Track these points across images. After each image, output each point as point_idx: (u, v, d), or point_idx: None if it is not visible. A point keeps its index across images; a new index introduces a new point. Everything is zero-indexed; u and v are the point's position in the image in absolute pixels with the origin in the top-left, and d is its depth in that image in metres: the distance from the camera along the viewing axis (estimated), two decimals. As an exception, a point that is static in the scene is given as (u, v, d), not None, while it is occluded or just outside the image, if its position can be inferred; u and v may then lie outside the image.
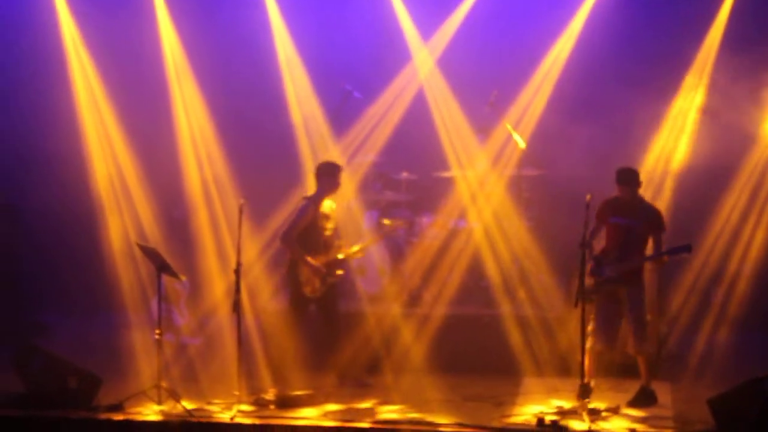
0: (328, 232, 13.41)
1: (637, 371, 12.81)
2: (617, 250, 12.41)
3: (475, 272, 14.80)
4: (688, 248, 12.24)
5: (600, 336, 12.39)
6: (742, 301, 14.99)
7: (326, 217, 13.39)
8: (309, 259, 13.17)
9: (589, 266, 12.27)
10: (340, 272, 13.44)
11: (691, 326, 14.75)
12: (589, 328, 12.35)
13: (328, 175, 13.41)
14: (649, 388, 12.56)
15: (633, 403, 12.44)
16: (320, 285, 13.27)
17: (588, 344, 12.30)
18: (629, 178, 12.45)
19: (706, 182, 15.30)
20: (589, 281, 12.28)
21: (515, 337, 13.80)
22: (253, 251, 15.07)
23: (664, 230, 12.54)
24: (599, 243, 12.63)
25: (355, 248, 13.68)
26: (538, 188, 15.56)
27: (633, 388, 12.82)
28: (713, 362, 13.93)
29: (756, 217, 15.34)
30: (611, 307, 12.38)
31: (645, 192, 12.90)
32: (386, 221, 14.04)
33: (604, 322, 12.39)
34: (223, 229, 15.64)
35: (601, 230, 12.66)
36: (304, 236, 13.23)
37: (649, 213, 12.52)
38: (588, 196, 12.02)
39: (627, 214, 12.46)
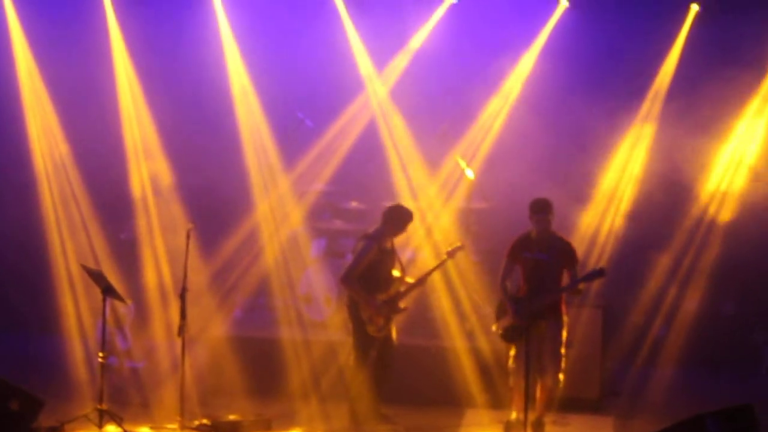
0: (390, 268, 13.08)
1: (582, 405, 12.91)
2: (532, 285, 12.43)
3: (422, 304, 14.79)
4: (601, 272, 12.34)
5: (526, 371, 12.30)
6: (685, 338, 15.12)
7: (388, 252, 13.07)
8: (371, 298, 12.84)
9: (508, 308, 12.45)
10: (403, 306, 13.10)
11: (635, 363, 14.86)
12: (511, 364, 12.54)
13: (399, 221, 13.08)
14: (542, 419, 12.57)
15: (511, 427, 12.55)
16: (384, 323, 12.92)
17: (512, 380, 12.53)
18: (543, 208, 12.48)
19: (659, 209, 15.47)
20: (512, 322, 12.44)
21: (459, 370, 13.82)
22: (202, 277, 15.04)
23: (577, 262, 12.63)
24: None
25: (412, 279, 13.26)
26: (486, 221, 15.59)
27: (575, 422, 12.92)
28: (656, 399, 14.04)
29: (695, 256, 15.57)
30: (534, 344, 12.31)
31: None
32: (448, 248, 13.72)
33: (529, 358, 12.29)
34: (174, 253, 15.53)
35: (514, 267, 12.69)
36: (366, 275, 12.88)
37: (562, 246, 12.57)
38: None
39: (540, 248, 12.49)
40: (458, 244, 13.38)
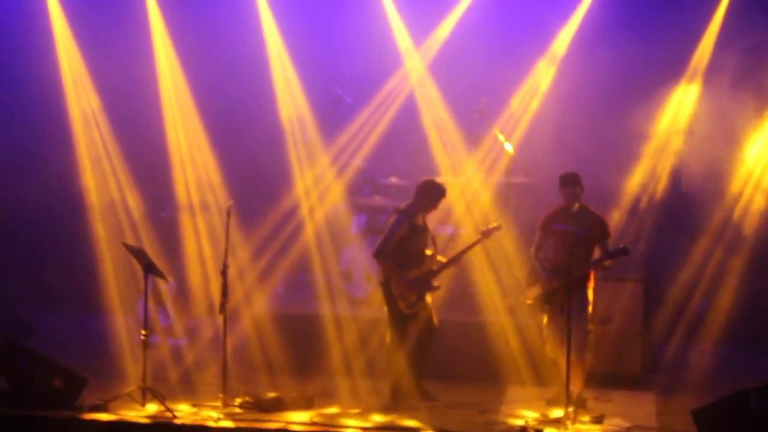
0: (422, 245, 12.98)
1: (623, 381, 12.91)
2: (563, 257, 12.42)
3: (462, 279, 14.77)
4: (625, 251, 12.35)
5: (554, 344, 12.49)
6: (728, 315, 15.01)
7: (420, 229, 12.97)
8: (403, 274, 12.78)
9: (539, 276, 12.55)
10: (436, 284, 12.97)
11: (677, 339, 14.80)
12: (546, 334, 12.67)
13: (430, 196, 12.95)
14: (581, 395, 12.58)
15: (552, 402, 12.59)
16: (416, 299, 12.83)
17: (548, 350, 12.66)
18: (572, 181, 12.53)
19: (696, 193, 15.37)
20: (539, 291, 12.57)
21: (501, 346, 13.81)
22: (245, 255, 15.09)
23: (609, 235, 12.62)
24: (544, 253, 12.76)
25: (445, 258, 13.12)
26: (525, 196, 15.52)
27: (617, 398, 12.91)
28: (698, 374, 13.98)
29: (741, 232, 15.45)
30: (561, 318, 12.29)
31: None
32: (484, 227, 13.66)
33: (556, 332, 12.42)
34: (215, 231, 15.57)
35: (547, 240, 12.75)
36: (398, 250, 12.80)
37: (594, 220, 12.59)
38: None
39: (571, 221, 12.54)
40: (495, 224, 13.31)
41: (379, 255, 12.80)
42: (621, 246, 12.49)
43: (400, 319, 12.87)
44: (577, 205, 12.58)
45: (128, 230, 15.76)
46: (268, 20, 16.15)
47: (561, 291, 12.29)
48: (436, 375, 13.38)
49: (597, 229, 12.54)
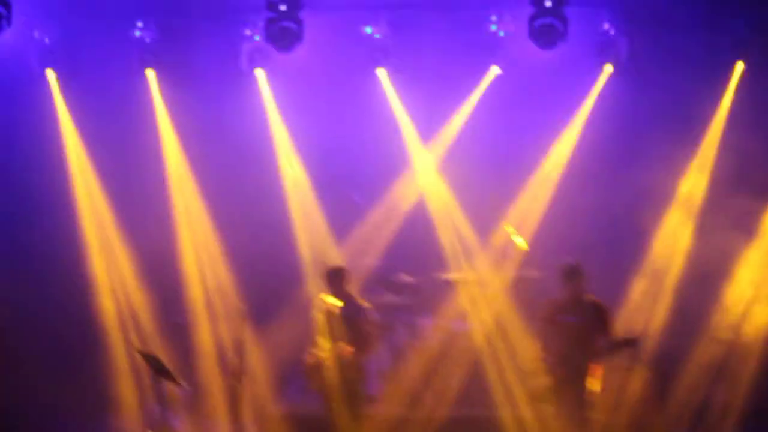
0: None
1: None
2: (566, 348, 12.45)
3: (476, 374, 14.70)
4: (633, 342, 12.41)
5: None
6: (744, 397, 14.85)
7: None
8: None
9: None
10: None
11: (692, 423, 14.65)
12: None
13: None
14: None
15: None
16: None
17: None
18: (574, 272, 12.63)
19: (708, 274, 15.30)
20: (545, 382, 12.59)
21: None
22: (254, 355, 15.05)
23: (610, 324, 12.67)
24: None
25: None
26: (540, 290, 15.47)
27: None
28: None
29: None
30: (566, 406, 12.40)
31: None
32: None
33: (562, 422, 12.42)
34: (223, 332, 15.54)
35: (550, 331, 12.79)
36: None
37: (594, 309, 12.63)
38: None
39: (572, 311, 12.56)
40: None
41: None
42: (630, 337, 12.45)
43: None
44: (579, 296, 12.54)
45: (138, 331, 15.74)
46: (275, 120, 16.25)
47: (565, 382, 12.21)
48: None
49: (598, 318, 12.57)
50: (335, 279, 13.65)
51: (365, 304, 13.58)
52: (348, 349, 13.34)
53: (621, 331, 12.86)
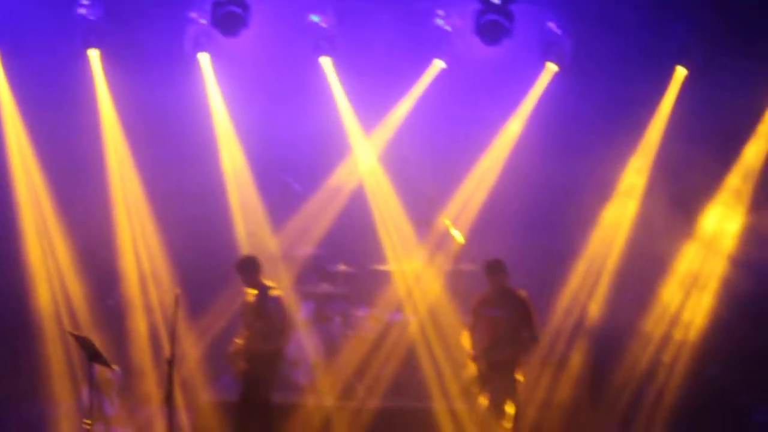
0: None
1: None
2: (489, 340, 12.85)
3: (410, 365, 14.76)
4: (534, 338, 12.86)
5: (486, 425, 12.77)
6: (674, 396, 15.06)
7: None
8: None
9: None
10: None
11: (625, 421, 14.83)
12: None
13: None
14: None
15: None
16: None
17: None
18: (497, 268, 12.98)
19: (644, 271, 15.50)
20: (472, 373, 12.92)
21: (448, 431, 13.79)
22: (188, 342, 14.99)
23: (532, 317, 12.96)
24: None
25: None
26: (475, 283, 15.55)
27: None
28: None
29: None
30: (493, 396, 12.73)
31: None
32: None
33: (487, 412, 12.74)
34: (157, 318, 15.47)
35: (477, 324, 13.15)
36: None
37: (517, 302, 12.94)
38: None
39: (497, 305, 12.93)
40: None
41: None
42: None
43: None
44: (502, 290, 12.94)
45: (72, 317, 15.59)
46: (217, 106, 16.15)
47: (490, 374, 12.62)
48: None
49: (521, 311, 12.89)
50: (247, 269, 13.56)
51: (276, 293, 13.45)
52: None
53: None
